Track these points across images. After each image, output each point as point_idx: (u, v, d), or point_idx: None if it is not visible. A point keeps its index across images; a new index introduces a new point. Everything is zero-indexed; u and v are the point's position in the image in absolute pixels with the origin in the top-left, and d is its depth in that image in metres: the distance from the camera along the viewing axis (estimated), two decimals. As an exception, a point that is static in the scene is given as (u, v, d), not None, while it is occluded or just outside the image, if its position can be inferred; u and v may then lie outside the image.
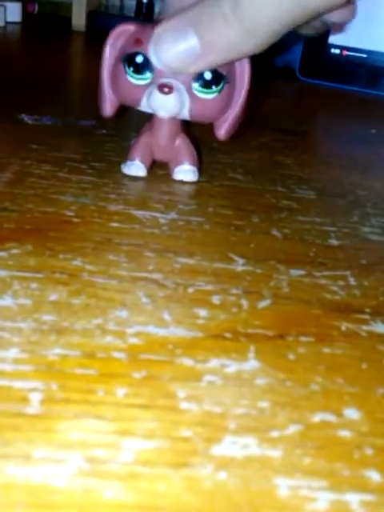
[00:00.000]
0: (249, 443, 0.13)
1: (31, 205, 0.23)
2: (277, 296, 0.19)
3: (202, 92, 0.25)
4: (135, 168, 0.27)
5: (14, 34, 0.66)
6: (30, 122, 0.33)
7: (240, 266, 0.20)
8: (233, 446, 0.13)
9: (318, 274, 0.21)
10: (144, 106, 0.25)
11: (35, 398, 0.13)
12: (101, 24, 0.68)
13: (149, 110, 0.25)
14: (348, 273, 0.21)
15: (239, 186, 0.28)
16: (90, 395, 0.14)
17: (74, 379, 0.14)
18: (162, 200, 0.25)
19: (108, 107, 0.27)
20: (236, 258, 0.21)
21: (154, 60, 0.24)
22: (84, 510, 0.11)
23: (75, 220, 0.22)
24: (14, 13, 0.70)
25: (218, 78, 0.25)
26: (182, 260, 0.20)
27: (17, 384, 0.14)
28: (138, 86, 0.25)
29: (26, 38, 0.65)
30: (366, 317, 0.18)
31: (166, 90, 0.24)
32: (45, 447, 0.12)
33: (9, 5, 0.69)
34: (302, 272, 0.21)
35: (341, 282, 0.20)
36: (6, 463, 0.12)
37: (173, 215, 0.24)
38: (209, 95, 0.25)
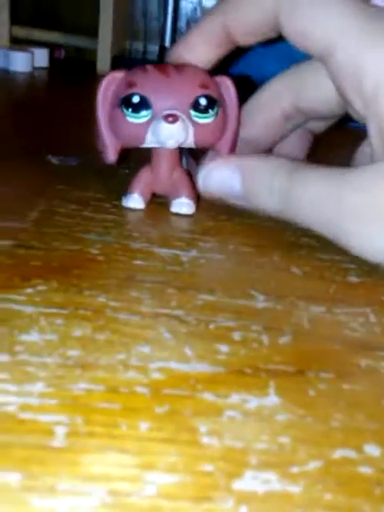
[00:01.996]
0: (270, 478, 0.13)
1: (57, 243, 0.24)
2: (297, 332, 0.19)
3: (201, 117, 0.26)
4: (133, 201, 0.28)
5: (42, 78, 0.68)
6: (56, 162, 0.34)
7: (260, 302, 0.21)
8: (254, 481, 0.13)
9: (338, 310, 0.21)
10: (149, 142, 0.26)
11: (60, 431, 0.14)
12: (125, 68, 0.70)
13: (154, 145, 0.27)
14: (368, 310, 0.21)
15: (259, 225, 0.28)
16: (113, 429, 0.14)
17: (98, 413, 0.15)
18: (183, 238, 0.26)
19: (111, 154, 0.28)
20: (256, 294, 0.21)
21: (200, 183, 0.28)
22: (107, 542, 0.11)
23: (99, 258, 0.23)
24: (42, 58, 0.72)
25: (212, 102, 0.26)
26: (204, 297, 0.21)
27: (42, 418, 0.14)
28: (137, 124, 0.26)
29: (52, 83, 0.68)
30: (387, 353, 0.18)
31: (171, 119, 0.25)
32: (69, 480, 0.12)
33: (36, 51, 0.71)
34: (322, 309, 0.21)
35: (361, 319, 0.20)
36: (31, 495, 0.12)
37: (194, 253, 0.24)
38: (207, 120, 0.26)
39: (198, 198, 0.29)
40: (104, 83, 0.27)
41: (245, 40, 0.28)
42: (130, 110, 0.26)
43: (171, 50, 0.29)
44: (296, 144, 0.32)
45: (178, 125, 0.25)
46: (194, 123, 0.26)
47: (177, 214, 0.28)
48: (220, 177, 0.27)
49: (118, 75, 0.27)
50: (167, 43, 0.76)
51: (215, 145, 0.28)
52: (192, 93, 0.26)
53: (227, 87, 0.28)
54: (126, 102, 0.26)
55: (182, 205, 0.28)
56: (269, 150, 0.31)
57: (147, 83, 0.26)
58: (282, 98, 0.30)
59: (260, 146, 0.31)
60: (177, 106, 0.26)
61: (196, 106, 0.26)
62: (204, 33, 0.28)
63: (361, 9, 0.24)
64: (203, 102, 0.26)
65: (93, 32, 0.74)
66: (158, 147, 0.27)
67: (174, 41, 0.75)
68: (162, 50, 0.77)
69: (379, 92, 0.23)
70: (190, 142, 0.27)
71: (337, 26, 0.24)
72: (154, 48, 0.81)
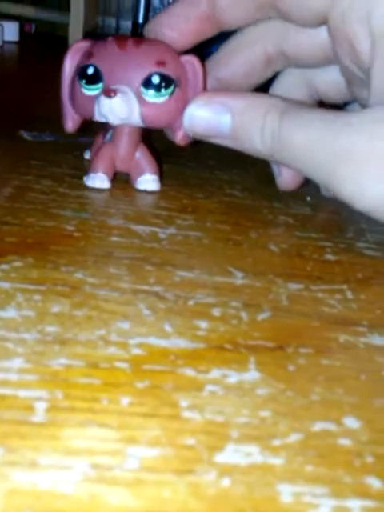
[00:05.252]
0: (251, 451, 0.13)
1: (32, 219, 0.23)
2: (276, 309, 0.19)
3: (151, 96, 0.25)
4: (99, 180, 0.27)
5: (12, 52, 0.67)
6: (29, 138, 0.33)
7: (239, 279, 0.21)
8: (236, 454, 0.13)
9: (316, 287, 0.21)
10: (97, 116, 0.26)
11: (40, 406, 0.14)
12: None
13: (102, 119, 0.26)
14: (345, 287, 0.21)
15: (237, 202, 0.28)
16: (94, 404, 0.14)
17: (78, 388, 0.14)
18: (160, 215, 0.25)
19: (70, 123, 0.28)
20: (235, 271, 0.21)
21: (186, 123, 0.26)
22: (91, 515, 0.11)
23: (76, 234, 0.23)
24: (12, 32, 0.70)
25: (168, 81, 0.25)
26: (182, 273, 0.21)
27: (22, 393, 0.14)
28: (90, 96, 0.26)
29: (23, 57, 0.66)
30: (364, 329, 0.19)
31: (111, 94, 0.25)
32: (51, 454, 0.12)
33: (6, 24, 0.69)
34: (300, 286, 0.21)
35: (338, 296, 0.21)
36: (12, 470, 0.12)
37: (172, 230, 0.24)
38: (159, 99, 0.25)
39: (161, 174, 0.28)
40: (70, 52, 0.27)
41: (231, 18, 0.26)
42: (84, 81, 0.26)
43: (150, 23, 0.28)
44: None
45: (116, 100, 0.25)
46: (143, 101, 0.25)
47: (145, 192, 0.27)
48: (207, 116, 0.25)
49: (84, 45, 0.27)
50: (140, 19, 0.75)
51: (170, 125, 0.27)
52: (145, 69, 0.25)
53: (193, 67, 0.26)
54: (81, 73, 0.26)
55: (148, 182, 0.27)
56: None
57: (103, 56, 0.26)
58: (266, 38, 0.28)
59: (237, 89, 0.29)
60: (127, 81, 0.25)
61: (147, 83, 0.25)
62: (189, 7, 0.27)
63: None
64: (155, 79, 0.25)
65: (65, 6, 0.73)
66: (118, 124, 0.26)
67: (146, 17, 0.74)
68: (135, 26, 0.76)
69: None
70: (136, 120, 0.26)
71: None
72: (126, 24, 0.79)
